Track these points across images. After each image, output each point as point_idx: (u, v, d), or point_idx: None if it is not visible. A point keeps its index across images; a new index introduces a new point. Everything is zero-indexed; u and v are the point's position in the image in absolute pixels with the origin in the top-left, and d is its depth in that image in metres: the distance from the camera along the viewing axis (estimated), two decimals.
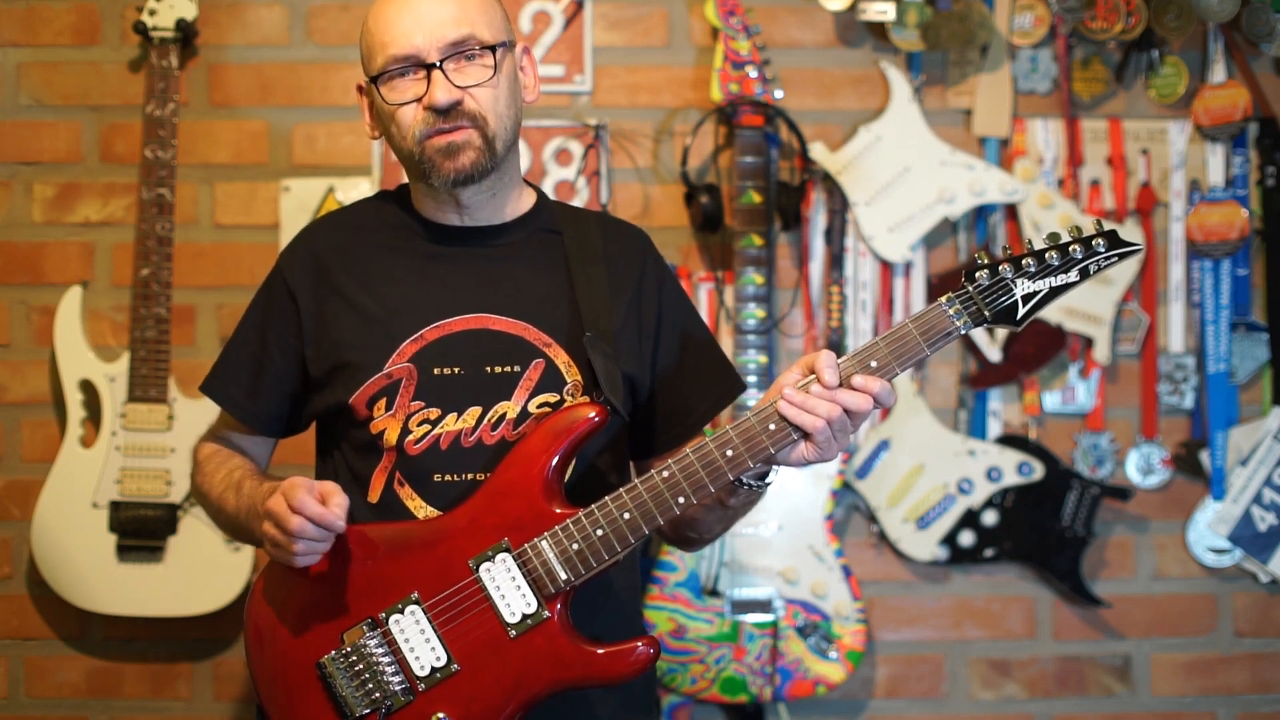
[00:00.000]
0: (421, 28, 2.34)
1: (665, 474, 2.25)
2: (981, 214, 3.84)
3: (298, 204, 3.77)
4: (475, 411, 2.38)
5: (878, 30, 3.85)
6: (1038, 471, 3.78)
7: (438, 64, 2.34)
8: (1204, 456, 3.84)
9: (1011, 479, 3.79)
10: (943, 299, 2.22)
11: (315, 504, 2.20)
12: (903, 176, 3.79)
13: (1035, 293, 2.21)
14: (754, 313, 3.66)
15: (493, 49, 2.38)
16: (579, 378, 2.41)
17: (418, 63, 2.35)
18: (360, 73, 2.47)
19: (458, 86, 2.34)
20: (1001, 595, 3.88)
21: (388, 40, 2.36)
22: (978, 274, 2.21)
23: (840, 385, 2.19)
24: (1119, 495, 3.79)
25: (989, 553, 3.81)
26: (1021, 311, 2.21)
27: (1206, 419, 3.85)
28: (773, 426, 2.22)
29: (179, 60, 3.70)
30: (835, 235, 3.81)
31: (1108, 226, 2.23)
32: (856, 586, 3.67)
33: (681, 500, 2.24)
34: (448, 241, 2.48)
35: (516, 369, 2.39)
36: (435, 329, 2.40)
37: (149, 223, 3.67)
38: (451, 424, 2.38)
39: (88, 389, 3.69)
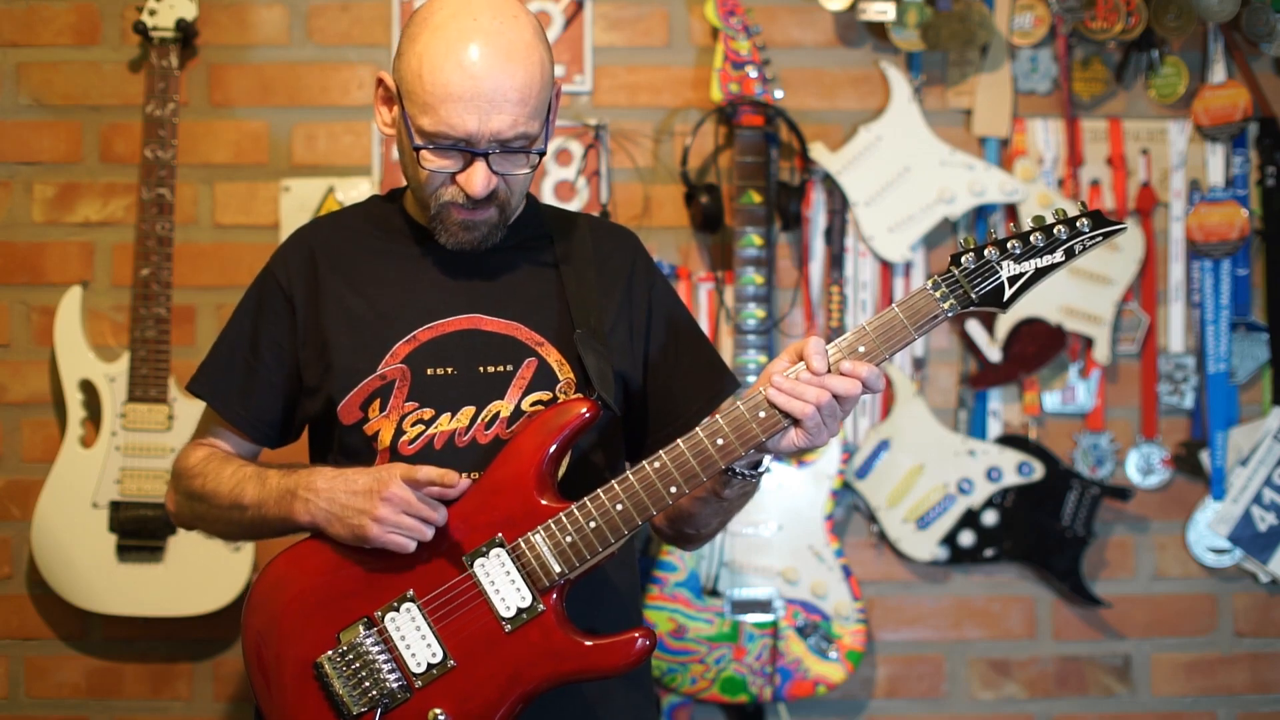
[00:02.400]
0: (479, 113, 2.26)
1: (656, 464, 2.24)
2: (981, 214, 3.84)
3: (298, 204, 3.78)
4: (469, 411, 2.38)
5: (878, 30, 3.85)
6: (1038, 471, 3.78)
7: (484, 155, 2.29)
8: (1204, 456, 3.84)
9: (1011, 479, 3.79)
10: (928, 282, 2.22)
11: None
12: (903, 176, 3.79)
13: (1021, 274, 2.20)
14: (754, 313, 3.66)
15: (540, 154, 2.36)
16: (571, 375, 2.41)
17: (464, 146, 2.29)
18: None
19: (495, 172, 2.31)
20: (1001, 595, 3.88)
21: (441, 112, 2.27)
22: (963, 257, 2.21)
23: (828, 371, 2.20)
24: (1119, 495, 3.78)
25: (989, 553, 3.81)
26: (1008, 294, 2.20)
27: (1206, 419, 3.85)
28: (762, 414, 2.21)
29: (179, 60, 3.70)
30: (835, 235, 3.81)
31: (1093, 208, 2.23)
32: (856, 586, 3.67)
33: (674, 490, 2.24)
34: (439, 245, 2.46)
35: (509, 368, 2.39)
36: (428, 330, 2.40)
37: (149, 223, 3.68)
38: (445, 424, 2.38)
39: (88, 389, 3.69)
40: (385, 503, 2.23)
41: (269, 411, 2.52)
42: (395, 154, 2.53)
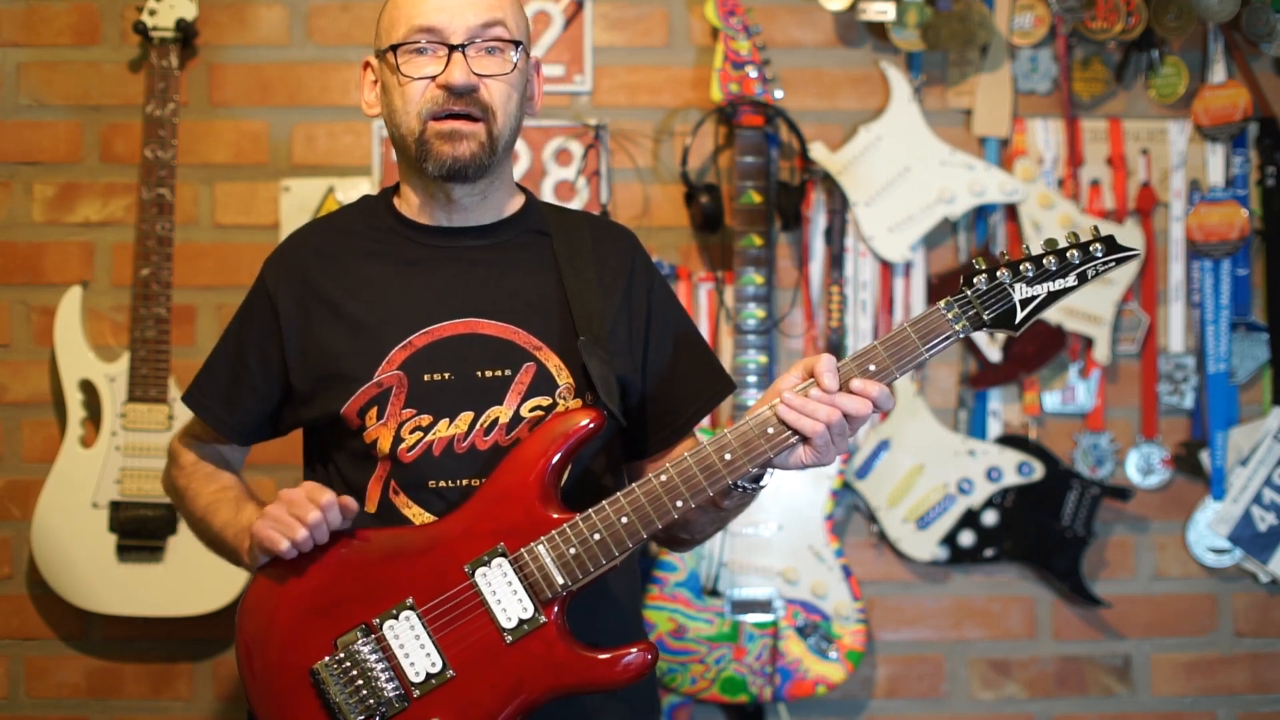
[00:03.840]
0: (451, 5, 2.35)
1: (663, 478, 2.24)
2: (981, 214, 3.84)
3: (298, 204, 3.77)
4: (467, 417, 2.37)
5: (878, 30, 3.85)
6: (1038, 471, 3.78)
7: (461, 46, 2.34)
8: (1204, 456, 3.84)
9: (1011, 479, 3.79)
10: (941, 303, 2.22)
11: (336, 510, 2.27)
12: (903, 176, 3.78)
13: (1033, 297, 2.21)
14: (754, 313, 3.66)
15: (516, 44, 2.39)
16: (570, 380, 2.40)
17: (441, 40, 2.35)
18: (357, 56, 2.46)
19: (476, 74, 2.35)
20: (1001, 595, 3.88)
21: (415, 13, 2.36)
22: (976, 278, 2.22)
23: (839, 389, 2.20)
24: (1119, 495, 3.78)
25: (989, 553, 3.81)
26: (1020, 316, 2.21)
27: (1206, 419, 3.85)
28: (771, 430, 2.21)
29: (179, 60, 3.70)
30: (835, 235, 3.81)
31: (1105, 231, 2.23)
32: (856, 586, 3.67)
33: (680, 504, 2.24)
34: (434, 243, 2.47)
35: (507, 373, 2.38)
36: (424, 335, 2.39)
37: (149, 223, 3.67)
38: (444, 430, 2.37)
39: (88, 389, 3.69)
40: (277, 503, 2.28)
41: (251, 417, 2.54)
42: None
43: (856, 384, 2.19)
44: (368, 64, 2.50)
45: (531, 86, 2.51)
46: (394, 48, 2.38)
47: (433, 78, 2.36)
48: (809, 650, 3.64)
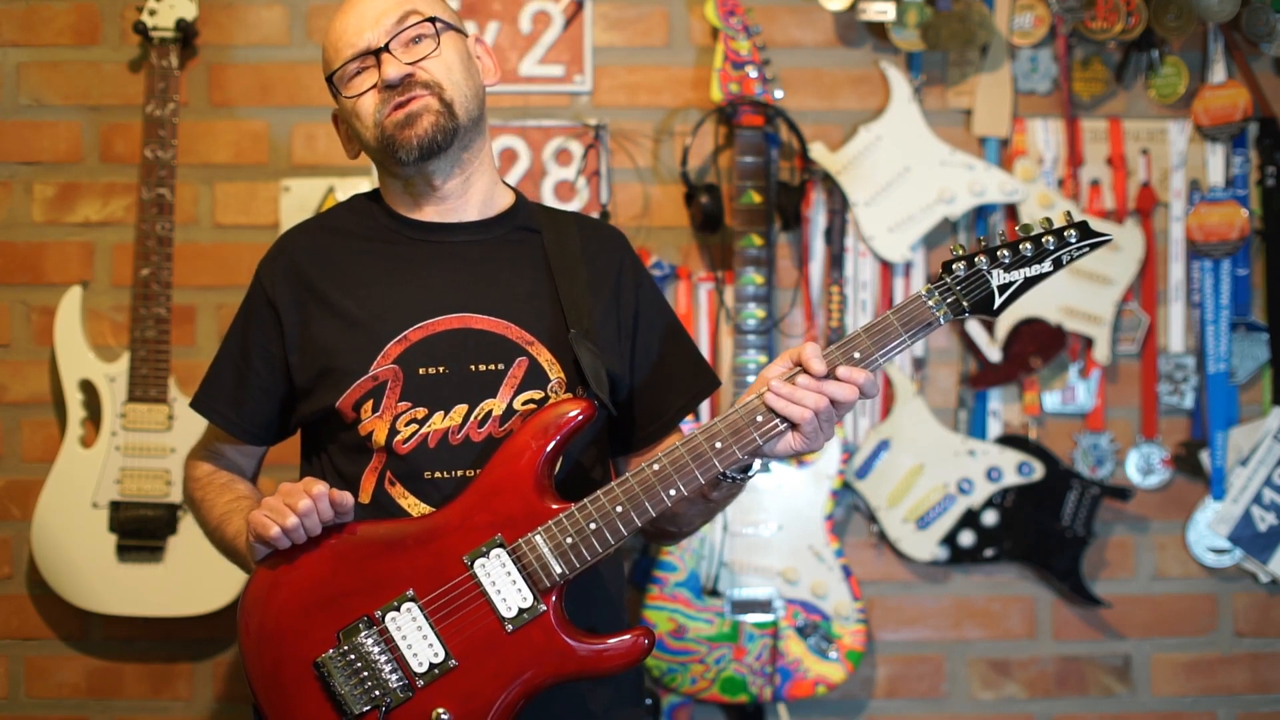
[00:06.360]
0: (365, 21, 2.43)
1: (655, 466, 2.28)
2: (981, 214, 3.84)
3: (298, 204, 3.78)
4: (461, 409, 2.40)
5: (878, 30, 3.85)
6: (1038, 471, 3.78)
7: (385, 46, 2.41)
8: (1204, 456, 3.84)
9: (1011, 479, 3.78)
10: (922, 290, 2.28)
11: (327, 500, 2.28)
12: (903, 176, 3.79)
13: (1011, 283, 2.26)
14: (754, 313, 3.66)
15: (433, 20, 2.45)
16: (561, 375, 2.44)
17: (368, 52, 2.42)
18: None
19: (407, 63, 2.41)
20: (1001, 595, 3.88)
21: (339, 45, 2.45)
22: (955, 265, 2.27)
23: (826, 376, 2.23)
24: (1119, 495, 3.78)
25: (989, 553, 3.81)
26: (998, 301, 2.26)
27: (1206, 419, 3.85)
28: (760, 418, 2.25)
29: (179, 60, 3.70)
30: (835, 235, 3.81)
31: (1079, 217, 2.28)
32: (856, 586, 3.67)
33: (672, 492, 2.27)
34: (427, 239, 2.51)
35: (500, 367, 2.42)
36: (418, 329, 2.43)
37: (149, 223, 3.68)
38: (439, 422, 2.40)
39: (88, 389, 3.69)
40: (274, 495, 2.31)
41: (260, 416, 2.58)
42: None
43: (843, 371, 2.24)
44: (335, 116, 2.58)
45: (481, 62, 2.56)
46: (331, 79, 2.47)
47: (374, 86, 2.42)
48: (809, 650, 3.64)
